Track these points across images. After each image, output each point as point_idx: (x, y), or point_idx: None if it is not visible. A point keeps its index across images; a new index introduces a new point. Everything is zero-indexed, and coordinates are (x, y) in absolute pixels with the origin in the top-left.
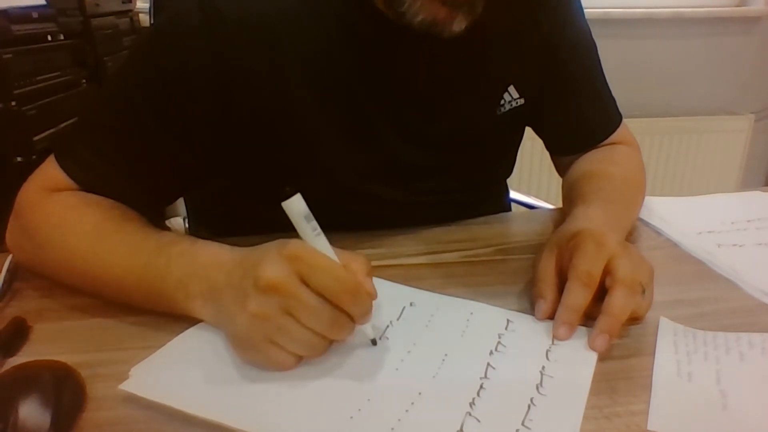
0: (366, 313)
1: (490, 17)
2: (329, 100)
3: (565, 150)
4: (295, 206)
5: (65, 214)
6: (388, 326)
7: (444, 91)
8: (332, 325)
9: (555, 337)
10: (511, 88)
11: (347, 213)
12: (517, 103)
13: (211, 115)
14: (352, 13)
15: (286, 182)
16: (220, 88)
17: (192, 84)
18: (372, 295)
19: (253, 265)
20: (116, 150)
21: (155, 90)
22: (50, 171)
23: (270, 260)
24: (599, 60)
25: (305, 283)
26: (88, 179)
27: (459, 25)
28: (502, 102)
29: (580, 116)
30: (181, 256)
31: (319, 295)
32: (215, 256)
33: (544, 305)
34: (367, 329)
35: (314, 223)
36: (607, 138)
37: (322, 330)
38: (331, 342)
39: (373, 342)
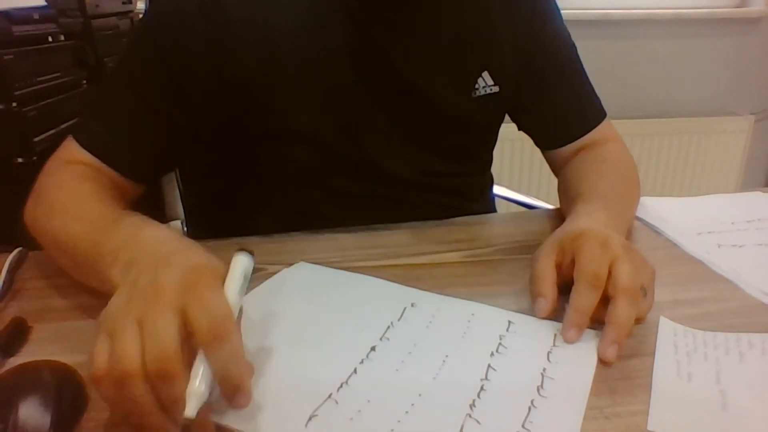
0: (225, 360)
1: (465, 5)
2: (315, 72)
3: (548, 143)
4: (242, 261)
5: (67, 185)
6: (388, 327)
7: (419, 71)
8: (160, 373)
9: (565, 340)
10: (486, 74)
11: (333, 184)
12: (491, 89)
13: (203, 83)
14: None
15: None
16: (212, 53)
17: (184, 52)
18: (244, 366)
19: (168, 263)
20: (118, 119)
21: (150, 59)
22: (68, 143)
23: (174, 271)
24: (578, 58)
25: (184, 310)
26: (94, 146)
27: None
28: (477, 86)
29: (559, 111)
30: (128, 227)
31: (189, 324)
32: (160, 234)
33: (544, 304)
34: (192, 393)
35: (246, 285)
36: (588, 131)
37: (151, 348)
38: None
39: (186, 421)
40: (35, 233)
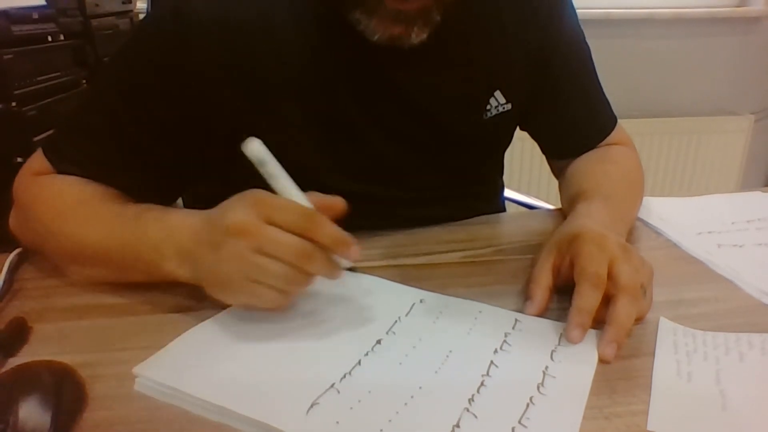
0: (334, 238)
1: (474, 24)
2: (311, 102)
3: (559, 154)
4: (250, 152)
5: (48, 192)
6: (396, 321)
7: (427, 93)
8: (303, 254)
9: (568, 340)
10: (498, 94)
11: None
12: (503, 108)
13: (189, 118)
14: (331, 16)
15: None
16: (197, 92)
17: (166, 88)
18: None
19: (219, 218)
20: (95, 147)
21: (133, 93)
22: (38, 159)
23: (234, 209)
24: (593, 64)
25: (271, 223)
26: (69, 171)
27: (417, 37)
28: (488, 107)
29: (573, 122)
30: (155, 221)
31: (286, 230)
32: (184, 219)
33: (531, 307)
34: (339, 259)
35: (269, 168)
36: (600, 142)
37: (294, 260)
38: (310, 275)
39: (352, 269)
40: (32, 247)
